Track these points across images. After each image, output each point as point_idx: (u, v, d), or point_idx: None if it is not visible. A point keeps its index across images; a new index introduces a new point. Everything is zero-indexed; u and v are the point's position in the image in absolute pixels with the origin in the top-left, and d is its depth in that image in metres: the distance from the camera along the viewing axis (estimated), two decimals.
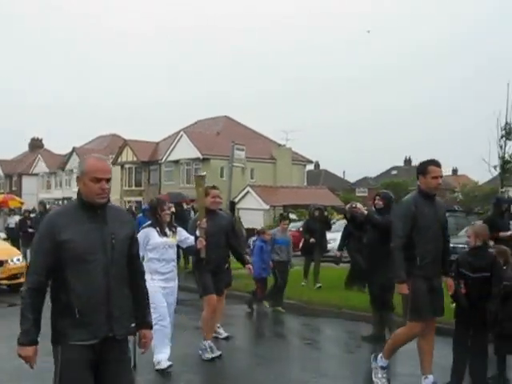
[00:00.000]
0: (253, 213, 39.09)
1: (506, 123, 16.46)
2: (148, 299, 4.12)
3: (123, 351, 3.81)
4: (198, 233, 7.25)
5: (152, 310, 6.33)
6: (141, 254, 6.60)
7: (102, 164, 3.73)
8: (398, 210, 6.29)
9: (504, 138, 16.57)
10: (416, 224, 5.87)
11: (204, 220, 7.24)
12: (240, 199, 40.50)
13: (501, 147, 16.33)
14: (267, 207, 40.46)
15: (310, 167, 62.03)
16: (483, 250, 6.36)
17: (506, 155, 16.27)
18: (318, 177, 71.51)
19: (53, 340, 3.66)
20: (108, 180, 3.68)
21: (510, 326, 6.18)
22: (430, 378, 6.06)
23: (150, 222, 7.10)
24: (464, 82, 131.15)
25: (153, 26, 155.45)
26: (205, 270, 7.54)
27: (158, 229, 6.97)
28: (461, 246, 11.29)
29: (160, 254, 6.93)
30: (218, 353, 7.54)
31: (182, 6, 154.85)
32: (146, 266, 6.44)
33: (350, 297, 11.43)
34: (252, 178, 45.38)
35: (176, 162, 48.24)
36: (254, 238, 13.68)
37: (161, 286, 6.91)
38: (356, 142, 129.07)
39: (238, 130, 48.38)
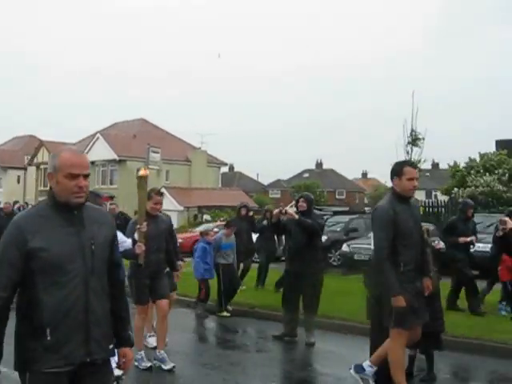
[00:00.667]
0: (167, 214, 38.83)
1: (412, 130, 17.19)
2: (128, 312, 3.53)
3: (104, 378, 3.26)
4: (136, 236, 6.74)
5: None
6: None
7: (79, 158, 3.20)
8: (376, 218, 5.71)
9: (410, 145, 17.29)
10: (397, 230, 5.51)
11: (144, 223, 6.71)
12: None
13: (407, 153, 17.03)
14: (181, 208, 40.38)
15: (225, 169, 62.24)
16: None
17: (412, 160, 16.91)
18: (233, 179, 71.84)
19: (18, 367, 3.08)
20: (86, 176, 3.16)
21: (434, 324, 6.50)
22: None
23: None
24: (374, 93, 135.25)
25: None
26: (142, 277, 7.09)
27: None
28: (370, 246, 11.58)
29: None
30: (171, 365, 7.11)
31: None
32: None
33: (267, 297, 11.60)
34: (167, 179, 45.11)
35: (92, 163, 47.06)
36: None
37: None
38: (269, 145, 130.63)
39: (154, 132, 48.12)
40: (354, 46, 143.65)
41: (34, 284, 3.03)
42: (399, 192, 5.68)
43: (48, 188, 3.20)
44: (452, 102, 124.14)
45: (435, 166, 65.57)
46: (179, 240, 27.89)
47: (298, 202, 8.72)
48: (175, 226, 36.33)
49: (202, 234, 11.76)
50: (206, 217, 36.38)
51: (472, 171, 28.02)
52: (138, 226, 6.70)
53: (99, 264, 3.18)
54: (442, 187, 33.31)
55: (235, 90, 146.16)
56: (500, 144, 31.82)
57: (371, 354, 6.10)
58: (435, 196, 43.70)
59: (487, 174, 27.03)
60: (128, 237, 6.83)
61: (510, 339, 8.09)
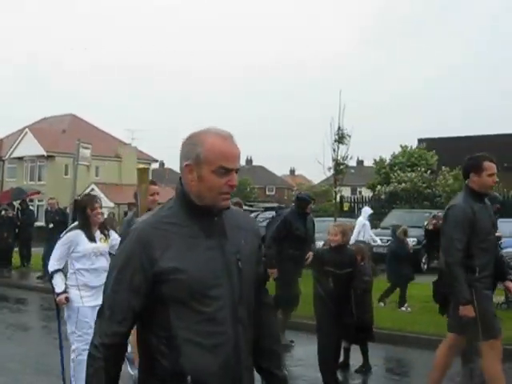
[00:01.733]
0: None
1: (339, 128, 17.45)
2: (280, 344, 2.64)
3: None
4: None
5: (77, 337, 5.50)
6: (58, 263, 5.62)
7: (232, 146, 2.29)
8: (451, 217, 5.11)
9: (337, 142, 17.55)
10: (474, 231, 4.99)
11: None
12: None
13: (334, 150, 17.23)
14: (112, 205, 39.77)
15: (155, 166, 61.70)
16: (345, 248, 6.46)
17: (339, 158, 17.22)
18: (163, 176, 71.26)
19: None
20: (237, 171, 2.31)
21: (366, 317, 6.74)
22: None
23: (76, 224, 5.82)
24: (298, 87, 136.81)
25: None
26: None
27: (86, 232, 5.66)
28: None
29: (90, 262, 5.64)
30: None
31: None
32: (72, 278, 5.63)
33: None
34: (97, 175, 44.41)
35: (20, 158, 45.98)
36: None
37: (90, 305, 5.48)
38: None
39: (84, 128, 46.97)
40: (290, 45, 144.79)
41: (165, 317, 2.20)
42: (477, 189, 5.09)
43: (178, 184, 2.34)
44: (380, 102, 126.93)
45: (360, 163, 66.93)
46: None
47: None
48: None
49: None
50: None
51: (396, 167, 28.80)
52: None
53: (247, 286, 2.33)
54: (367, 183, 34.07)
55: (168, 89, 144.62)
56: (422, 142, 32.91)
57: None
58: (360, 192, 44.75)
59: (410, 170, 27.88)
60: (122, 238, 6.03)
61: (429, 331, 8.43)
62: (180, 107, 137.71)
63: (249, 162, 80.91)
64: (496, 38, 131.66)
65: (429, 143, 31.38)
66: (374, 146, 78.46)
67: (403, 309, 10.70)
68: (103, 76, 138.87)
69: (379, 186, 27.76)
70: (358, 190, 54.81)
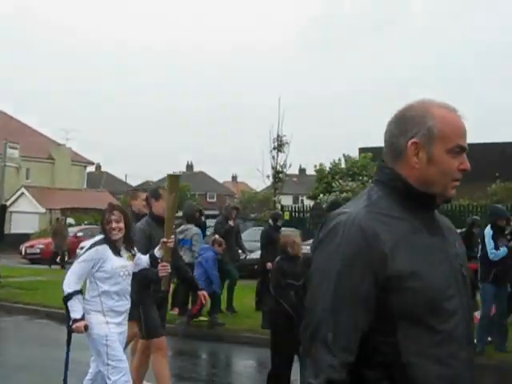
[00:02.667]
0: (27, 216, 37.06)
1: (278, 136, 17.41)
2: None
3: None
4: (158, 253, 5.26)
5: (112, 369, 4.76)
6: (78, 283, 4.76)
7: (462, 121, 1.85)
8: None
9: (276, 150, 17.51)
10: None
11: (172, 237, 5.33)
12: (13, 202, 37.99)
13: (273, 158, 17.20)
14: (43, 210, 38.52)
15: (91, 169, 60.39)
16: (298, 257, 6.44)
17: (278, 166, 17.17)
18: (99, 179, 69.93)
19: None
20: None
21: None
22: None
23: (103, 237, 4.93)
24: (236, 94, 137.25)
25: None
26: (151, 302, 5.64)
27: (112, 248, 4.86)
28: None
29: (119, 284, 4.86)
30: None
31: None
32: (95, 302, 4.81)
33: None
34: (27, 178, 42.66)
35: None
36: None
37: (117, 331, 4.88)
38: (139, 145, 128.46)
39: (12, 125, 45.12)
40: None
41: (389, 340, 1.69)
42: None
43: (382, 170, 1.89)
44: (321, 109, 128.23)
45: (302, 171, 67.43)
46: (40, 246, 26.53)
47: None
48: (36, 229, 34.66)
49: (214, 242, 10.30)
50: (70, 220, 34.81)
51: (337, 176, 28.98)
52: (165, 240, 5.21)
53: (466, 299, 1.83)
54: (308, 192, 34.19)
55: (104, 89, 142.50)
56: (363, 151, 33.18)
57: None
58: (302, 201, 44.87)
59: (351, 179, 28.05)
60: (139, 251, 5.28)
61: None
62: (118, 108, 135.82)
63: (189, 167, 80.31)
64: (448, 41, 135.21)
65: (373, 152, 31.66)
66: (316, 153, 78.93)
67: None
68: (39, 71, 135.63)
69: (321, 195, 27.87)
70: (300, 198, 55.00)
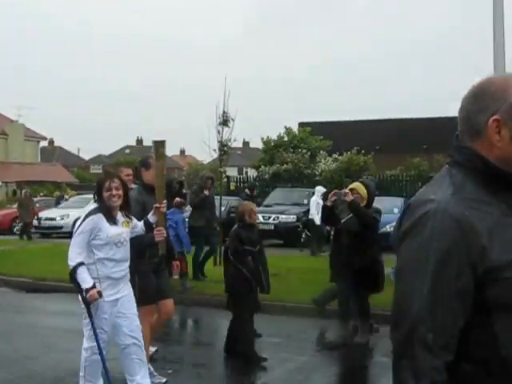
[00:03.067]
0: None
1: (224, 112, 17.41)
2: None
3: None
4: (152, 219, 5.10)
5: (88, 337, 4.62)
6: (80, 255, 4.54)
7: None
8: None
9: (221, 125, 17.54)
10: None
11: (164, 202, 5.17)
12: None
13: (218, 132, 17.21)
14: None
15: (44, 144, 59.01)
16: (254, 225, 6.56)
17: (223, 140, 17.23)
18: (53, 154, 68.36)
19: None
20: None
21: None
22: None
23: (97, 207, 4.75)
24: (185, 72, 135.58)
25: None
26: (147, 270, 5.45)
27: (107, 216, 4.67)
28: None
29: (114, 251, 4.67)
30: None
31: None
32: (91, 270, 4.58)
33: None
34: None
35: None
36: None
37: (110, 299, 4.63)
38: (92, 120, 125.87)
39: None
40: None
41: (487, 333, 1.53)
42: None
43: (459, 150, 1.69)
44: (264, 86, 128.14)
45: (246, 144, 67.41)
46: None
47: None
48: None
49: (175, 204, 9.63)
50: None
51: (281, 148, 29.17)
52: (157, 205, 5.10)
53: None
54: (252, 163, 34.30)
55: (57, 64, 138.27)
56: (302, 126, 33.47)
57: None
58: (246, 172, 45.05)
59: (292, 152, 28.31)
60: (136, 218, 5.06)
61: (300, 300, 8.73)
62: (71, 84, 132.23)
63: (139, 141, 79.30)
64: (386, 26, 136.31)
65: (311, 127, 31.98)
66: (259, 128, 79.08)
67: None
68: None
69: (263, 167, 28.03)
70: (245, 170, 55.14)
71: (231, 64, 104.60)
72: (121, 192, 4.69)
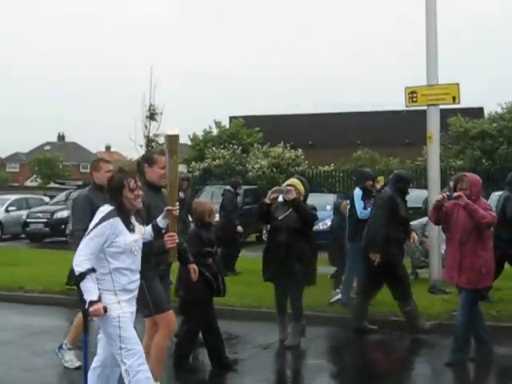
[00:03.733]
0: None
1: (151, 105, 17.09)
2: None
3: None
4: (162, 223, 4.62)
5: (126, 352, 4.21)
6: (89, 261, 4.14)
7: None
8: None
9: (149, 119, 17.19)
10: None
11: (177, 204, 4.69)
12: None
13: (146, 127, 16.90)
14: None
15: None
16: (212, 225, 6.47)
17: (151, 134, 16.91)
18: None
19: None
20: None
21: None
22: None
23: (112, 209, 4.29)
24: (110, 64, 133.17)
25: None
26: (154, 276, 5.06)
27: (125, 221, 4.29)
28: None
29: (131, 259, 4.31)
30: None
31: None
32: (106, 281, 4.22)
33: None
34: None
35: None
36: None
37: (129, 310, 4.33)
38: (6, 118, 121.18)
39: None
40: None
41: None
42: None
43: None
44: (193, 76, 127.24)
45: None
46: None
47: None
48: None
49: None
50: None
51: (209, 144, 28.92)
52: (170, 208, 4.60)
53: None
54: (181, 159, 33.89)
55: None
56: (233, 119, 33.25)
57: None
58: None
59: (223, 147, 28.09)
60: (144, 223, 4.66)
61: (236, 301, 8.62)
62: None
63: (61, 138, 77.15)
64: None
65: (245, 121, 31.82)
66: (189, 122, 78.35)
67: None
68: None
69: (193, 163, 27.70)
70: None
71: (158, 55, 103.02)
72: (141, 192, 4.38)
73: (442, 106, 10.21)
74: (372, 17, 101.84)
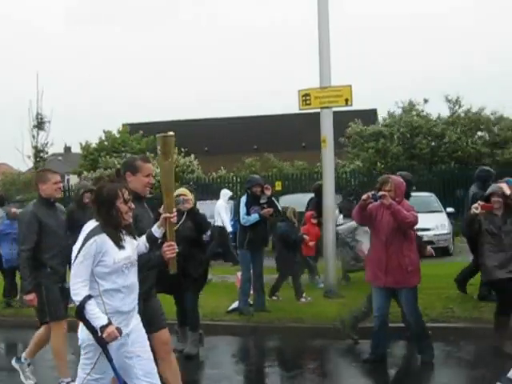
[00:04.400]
0: None
1: (38, 113, 16.46)
2: None
3: None
4: (158, 233, 4.29)
5: (91, 381, 3.85)
6: (86, 286, 3.79)
7: None
8: None
9: (36, 128, 16.56)
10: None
11: (174, 210, 4.35)
12: None
13: (33, 137, 16.25)
14: None
15: None
16: None
17: (39, 145, 16.27)
18: None
19: None
20: None
21: None
22: None
23: (97, 226, 3.91)
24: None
25: None
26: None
27: (113, 237, 3.91)
28: None
29: (123, 278, 3.92)
30: None
31: None
32: (98, 304, 3.81)
33: None
34: None
35: None
36: None
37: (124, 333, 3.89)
38: None
39: None
40: None
41: None
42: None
43: None
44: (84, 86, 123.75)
45: (68, 149, 64.76)
46: None
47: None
48: None
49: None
50: None
51: (103, 153, 28.31)
52: (165, 214, 4.26)
53: None
54: (73, 169, 33.08)
55: None
56: (126, 126, 32.75)
57: None
58: (68, 180, 43.26)
59: (116, 155, 27.55)
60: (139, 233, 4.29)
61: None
62: None
63: None
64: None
65: (135, 128, 31.35)
66: (81, 131, 76.30)
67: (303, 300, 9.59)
68: None
69: (85, 173, 27.01)
70: (67, 177, 52.88)
71: (43, 62, 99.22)
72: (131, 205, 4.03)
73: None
74: (269, 20, 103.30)
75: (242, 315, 8.56)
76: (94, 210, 3.99)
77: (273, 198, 9.02)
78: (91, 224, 3.92)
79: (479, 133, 25.54)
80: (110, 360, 3.82)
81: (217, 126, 38.49)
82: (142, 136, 30.64)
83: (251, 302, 8.87)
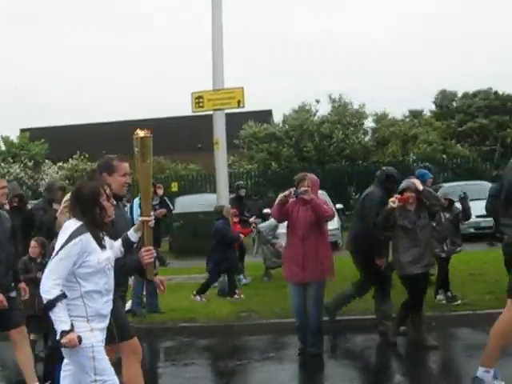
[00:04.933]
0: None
1: None
2: None
3: None
4: (134, 237, 4.11)
5: None
6: (58, 286, 3.62)
7: None
8: None
9: None
10: None
11: (152, 213, 4.25)
12: None
13: None
14: None
15: None
16: None
17: None
18: None
19: None
20: None
21: None
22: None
23: (81, 225, 3.73)
24: None
25: None
26: (117, 298, 4.38)
27: (96, 237, 3.78)
28: None
29: (105, 280, 3.81)
30: None
31: None
32: (77, 306, 3.71)
33: None
34: None
35: None
36: None
37: (102, 339, 3.83)
38: None
39: None
40: None
41: None
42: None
43: None
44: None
45: None
46: None
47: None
48: None
49: None
50: None
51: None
52: (144, 218, 4.13)
53: None
54: None
55: None
56: (25, 131, 31.84)
57: None
58: None
59: (13, 161, 26.87)
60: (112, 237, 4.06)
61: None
62: None
63: None
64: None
65: (32, 132, 30.64)
66: None
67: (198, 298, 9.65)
68: None
69: None
70: None
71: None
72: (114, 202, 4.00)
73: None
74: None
75: (136, 316, 8.57)
76: (75, 210, 3.86)
77: (165, 198, 9.11)
78: (73, 223, 3.80)
79: (362, 130, 26.93)
80: (56, 362, 4.01)
81: (114, 128, 37.87)
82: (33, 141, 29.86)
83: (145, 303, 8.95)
